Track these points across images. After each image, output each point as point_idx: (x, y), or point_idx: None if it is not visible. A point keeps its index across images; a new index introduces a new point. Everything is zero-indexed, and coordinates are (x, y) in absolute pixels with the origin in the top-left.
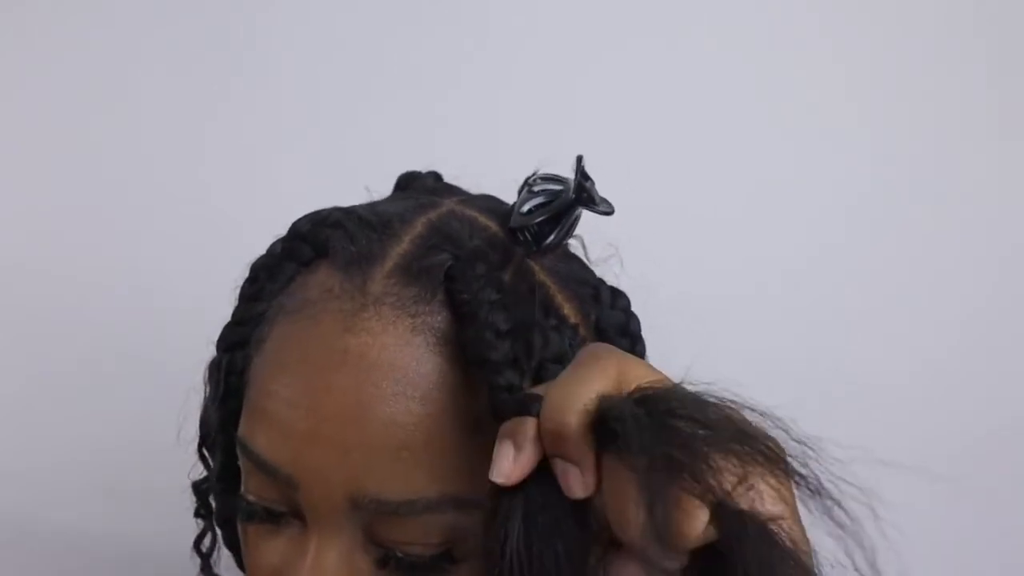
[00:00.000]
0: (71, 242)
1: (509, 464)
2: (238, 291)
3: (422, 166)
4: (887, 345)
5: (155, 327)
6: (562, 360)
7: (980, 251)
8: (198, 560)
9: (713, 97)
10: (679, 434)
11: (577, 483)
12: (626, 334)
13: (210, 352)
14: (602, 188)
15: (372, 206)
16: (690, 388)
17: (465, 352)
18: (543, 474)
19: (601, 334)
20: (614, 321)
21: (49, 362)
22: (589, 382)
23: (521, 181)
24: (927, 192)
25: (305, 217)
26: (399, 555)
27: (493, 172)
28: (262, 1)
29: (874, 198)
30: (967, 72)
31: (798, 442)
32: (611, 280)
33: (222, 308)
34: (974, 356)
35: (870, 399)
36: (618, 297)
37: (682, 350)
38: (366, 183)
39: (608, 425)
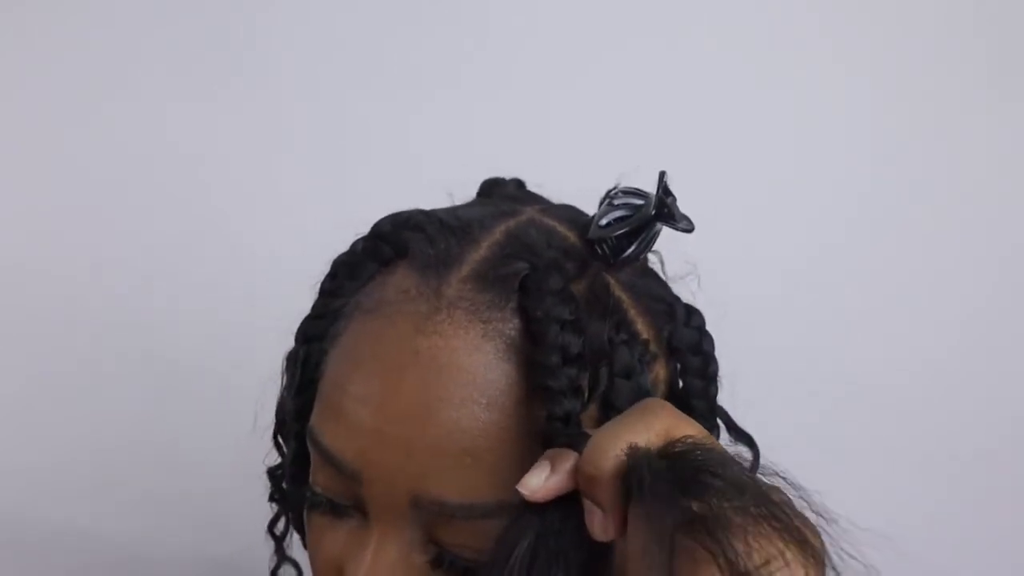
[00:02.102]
0: (71, 242)
1: (539, 481)
2: (318, 286)
3: (422, 165)
4: (887, 345)
5: (155, 327)
6: (630, 375)
7: (980, 251)
8: (207, 553)
9: (713, 97)
10: (703, 489)
11: (599, 526)
12: (699, 352)
13: (211, 352)
14: (600, 187)
15: (453, 210)
16: (722, 451)
17: (530, 372)
18: (569, 505)
19: (674, 351)
20: (687, 339)
21: (49, 362)
22: (632, 433)
23: (521, 182)
24: (927, 192)
25: (387, 217)
26: (453, 557)
27: (493, 172)
28: (262, 1)
29: (874, 198)
30: (967, 72)
31: (818, 516)
32: (687, 298)
33: (222, 307)
34: (974, 356)
35: (870, 399)
36: (692, 315)
37: None
38: (364, 182)
39: (632, 475)
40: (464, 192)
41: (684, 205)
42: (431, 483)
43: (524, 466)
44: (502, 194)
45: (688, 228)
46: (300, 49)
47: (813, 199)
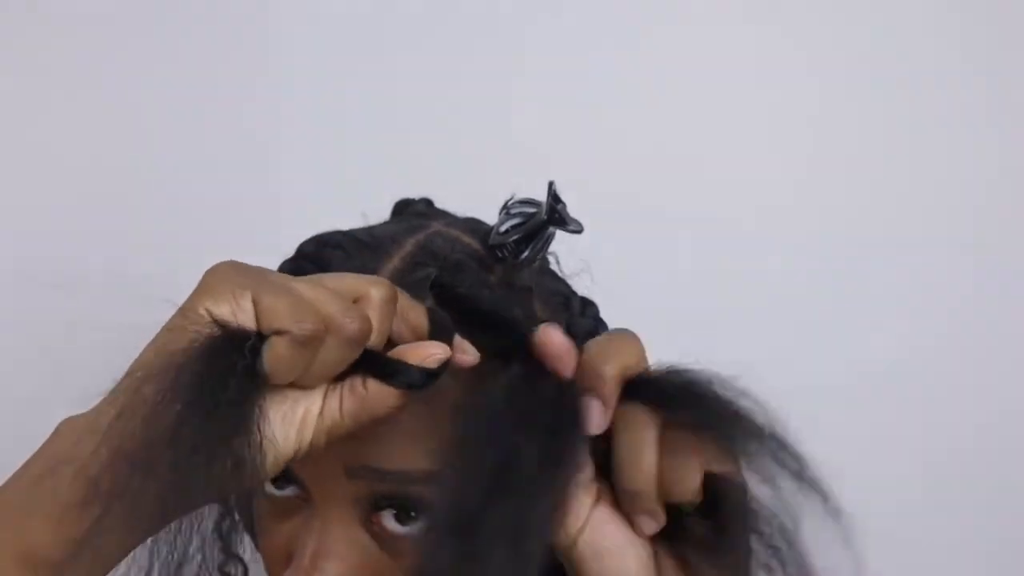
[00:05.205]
0: (71, 243)
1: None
2: None
3: (421, 165)
4: (887, 345)
5: (154, 327)
6: None
7: (979, 250)
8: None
9: (712, 99)
10: (714, 402)
11: (599, 417)
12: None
13: None
14: (600, 187)
15: (369, 229)
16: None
17: (485, 324)
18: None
19: (572, 338)
20: (584, 327)
21: (49, 362)
22: (629, 345)
23: (518, 183)
24: (926, 192)
25: (310, 239)
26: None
27: (493, 171)
28: (264, 1)
29: (874, 198)
30: (967, 72)
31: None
32: (582, 291)
33: None
34: (974, 356)
35: (870, 398)
36: (588, 306)
37: (683, 349)
38: (365, 183)
39: (649, 382)
40: (463, 191)
41: (687, 205)
42: (365, 455)
43: (440, 439)
44: (412, 212)
45: (577, 230)
46: (301, 49)
47: (813, 199)
